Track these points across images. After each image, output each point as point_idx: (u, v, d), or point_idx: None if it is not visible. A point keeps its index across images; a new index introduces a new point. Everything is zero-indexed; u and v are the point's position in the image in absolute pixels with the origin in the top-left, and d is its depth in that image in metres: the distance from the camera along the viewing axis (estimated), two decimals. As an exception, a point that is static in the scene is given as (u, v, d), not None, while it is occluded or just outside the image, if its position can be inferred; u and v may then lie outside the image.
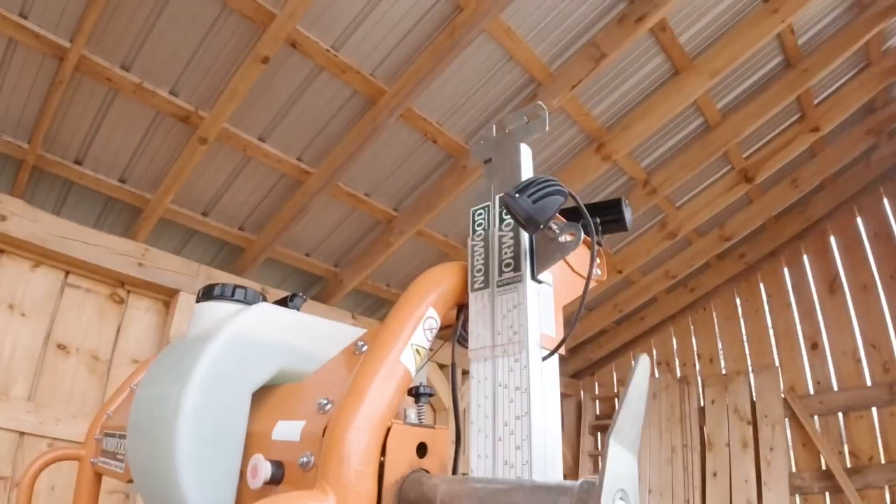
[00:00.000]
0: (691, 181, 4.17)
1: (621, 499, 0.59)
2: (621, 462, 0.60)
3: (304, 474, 0.73)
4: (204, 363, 0.82)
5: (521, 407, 0.78)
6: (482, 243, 0.92)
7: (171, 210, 3.21)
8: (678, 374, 5.76)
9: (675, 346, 5.95)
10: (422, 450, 0.77)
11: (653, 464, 5.31)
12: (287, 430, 0.79)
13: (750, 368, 5.39)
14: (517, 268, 0.86)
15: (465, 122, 3.25)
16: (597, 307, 5.53)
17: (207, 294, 0.99)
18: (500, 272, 0.88)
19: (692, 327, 5.88)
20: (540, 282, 0.87)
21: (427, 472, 0.76)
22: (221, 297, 0.98)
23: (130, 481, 1.34)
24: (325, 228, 3.68)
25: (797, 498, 4.93)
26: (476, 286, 0.90)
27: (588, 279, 0.93)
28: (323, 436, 0.72)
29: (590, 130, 3.52)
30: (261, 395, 0.89)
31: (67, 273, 3.07)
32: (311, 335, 0.96)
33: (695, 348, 5.81)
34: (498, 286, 0.87)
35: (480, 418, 0.81)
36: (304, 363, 0.92)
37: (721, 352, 5.63)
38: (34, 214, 2.86)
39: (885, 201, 5.13)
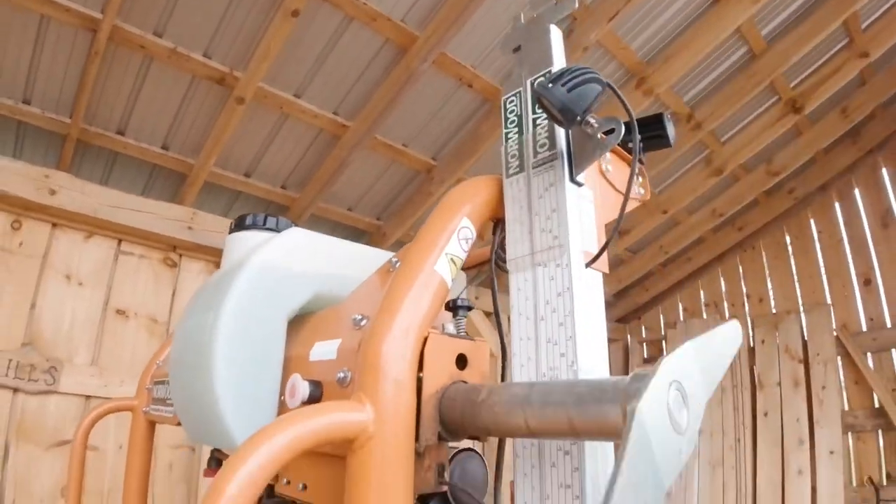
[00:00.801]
0: (737, 114, 3.94)
1: (677, 390, 0.52)
2: (685, 358, 0.54)
3: (341, 391, 0.69)
4: (236, 289, 0.78)
5: (564, 312, 0.72)
6: (515, 129, 0.85)
7: (215, 173, 3.22)
8: (727, 316, 5.58)
9: (723, 287, 5.76)
10: (461, 362, 0.72)
11: (702, 405, 5.21)
12: (323, 349, 0.75)
13: (801, 307, 5.17)
14: (552, 146, 0.79)
15: (501, 64, 3.11)
16: (642, 249, 5.36)
17: (239, 225, 0.96)
18: (535, 153, 0.81)
19: (740, 267, 5.66)
20: (579, 184, 0.80)
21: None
22: (253, 226, 0.94)
23: (180, 424, 1.35)
24: (366, 182, 3.65)
25: (850, 436, 4.79)
26: (511, 171, 0.83)
27: (627, 193, 0.85)
28: (359, 350, 0.67)
29: (629, 65, 3.34)
30: (298, 321, 0.86)
31: (120, 241, 3.12)
32: (346, 260, 0.92)
33: (743, 289, 5.62)
34: (534, 167, 0.81)
35: (522, 326, 0.76)
36: (339, 288, 0.88)
37: (770, 291, 5.41)
38: (82, 187, 2.89)
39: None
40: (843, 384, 4.83)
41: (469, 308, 0.79)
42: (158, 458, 3.10)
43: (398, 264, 0.79)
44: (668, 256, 5.44)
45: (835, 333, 4.86)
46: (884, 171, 5.04)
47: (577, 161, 0.80)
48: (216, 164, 3.14)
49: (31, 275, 2.81)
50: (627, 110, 0.83)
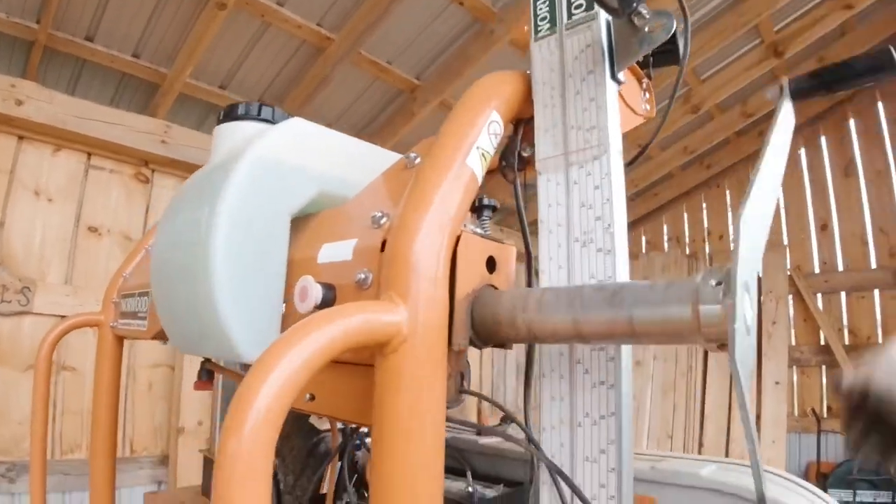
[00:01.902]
0: (720, 53, 3.84)
1: (746, 291, 0.46)
2: (753, 243, 0.48)
3: (360, 293, 0.60)
4: (235, 181, 0.67)
5: (601, 210, 0.65)
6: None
7: (189, 84, 2.99)
8: (687, 251, 5.65)
9: (686, 223, 5.81)
10: (490, 266, 0.64)
11: (660, 337, 5.36)
12: (335, 251, 0.66)
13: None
14: (590, 6, 0.69)
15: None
16: (611, 183, 5.35)
17: (230, 115, 0.83)
18: (570, 15, 0.71)
19: (704, 204, 5.72)
20: (619, 82, 0.71)
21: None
22: (246, 116, 0.82)
23: (155, 338, 1.26)
24: (347, 100, 3.44)
25: (794, 370, 5.00)
26: (540, 34, 0.73)
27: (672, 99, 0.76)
28: (382, 250, 0.58)
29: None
30: (298, 223, 0.76)
31: (90, 155, 2.91)
32: (350, 157, 0.81)
33: (705, 225, 5.68)
34: (567, 28, 0.71)
35: (553, 227, 0.67)
36: (342, 188, 0.78)
37: (731, 229, 5.49)
38: (50, 96, 2.65)
39: (881, 102, 4.85)
40: (792, 321, 4.99)
41: (495, 208, 0.70)
42: (137, 378, 3.02)
43: (418, 160, 0.69)
44: (637, 190, 5.42)
45: (788, 273, 4.97)
46: (851, 122, 5.06)
47: (619, 57, 0.70)
48: (191, 74, 2.91)
49: (-2, 188, 2.63)
50: (683, 10, 0.74)
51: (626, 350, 0.61)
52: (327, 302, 0.62)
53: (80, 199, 2.85)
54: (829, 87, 0.82)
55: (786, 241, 5.20)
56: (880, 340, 4.72)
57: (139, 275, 1.43)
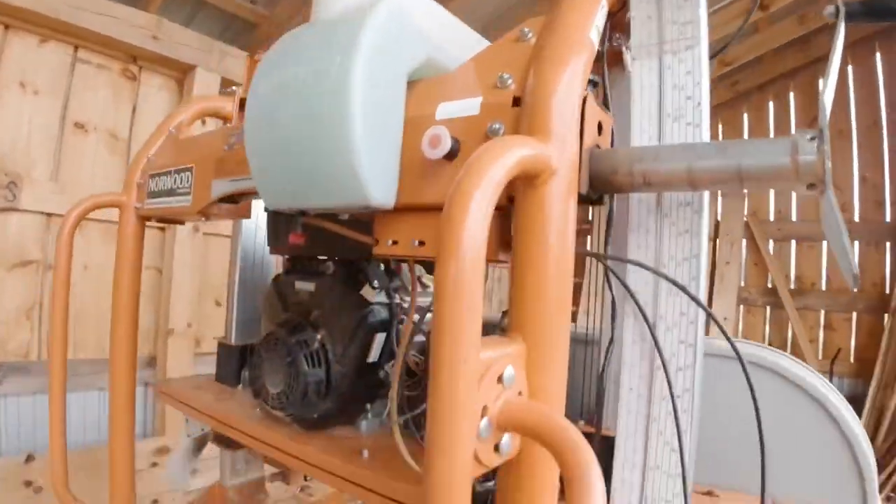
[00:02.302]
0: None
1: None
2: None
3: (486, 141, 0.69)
4: (369, 31, 0.73)
5: (691, 91, 0.74)
6: None
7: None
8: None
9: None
10: (599, 130, 0.73)
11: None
12: (458, 107, 0.73)
13: (719, 192, 5.55)
14: None
15: None
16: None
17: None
18: None
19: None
20: (711, -19, 0.79)
21: (602, 151, 0.73)
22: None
23: (200, 212, 1.31)
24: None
25: (741, 308, 5.37)
26: None
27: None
28: (513, 105, 0.66)
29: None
30: (409, 85, 0.82)
31: (77, 48, 2.81)
32: (451, 31, 0.88)
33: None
34: None
35: (645, 105, 0.77)
36: (444, 59, 0.84)
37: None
38: (42, -17, 2.54)
39: (878, 55, 5.04)
40: (744, 264, 5.35)
41: (595, 84, 0.78)
42: None
43: (530, 34, 0.76)
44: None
45: (745, 219, 5.28)
46: (820, 82, 5.25)
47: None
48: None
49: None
50: None
51: (706, 202, 0.73)
52: (454, 150, 0.70)
53: (66, 94, 2.77)
54: (877, 16, 0.92)
55: (745, 189, 5.46)
56: (823, 288, 5.11)
57: (172, 154, 1.48)
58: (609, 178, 0.68)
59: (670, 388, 0.69)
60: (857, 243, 5.02)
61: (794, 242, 5.29)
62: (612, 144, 0.81)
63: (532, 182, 0.60)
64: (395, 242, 0.81)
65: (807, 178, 0.59)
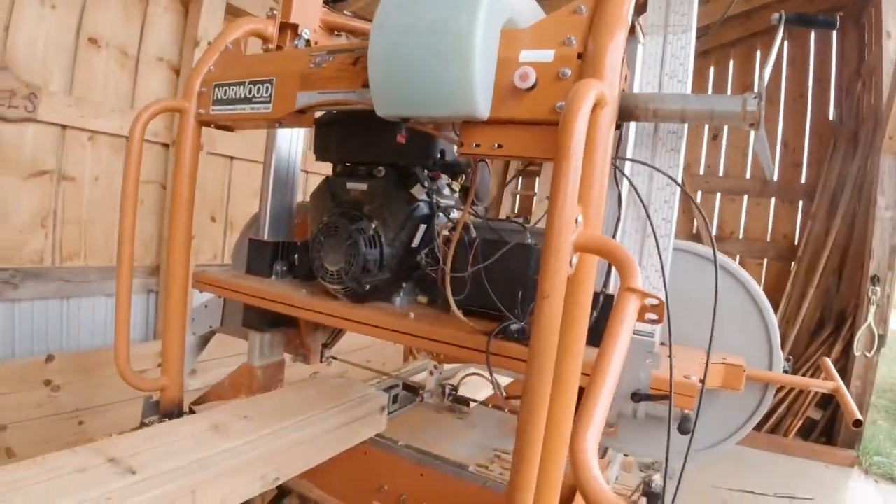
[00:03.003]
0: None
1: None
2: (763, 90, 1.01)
3: (559, 82, 1.06)
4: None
5: (683, 60, 1.14)
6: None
7: None
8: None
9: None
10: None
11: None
12: (537, 55, 1.09)
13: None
14: None
15: None
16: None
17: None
18: None
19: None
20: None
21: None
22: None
23: (278, 119, 1.57)
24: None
25: (669, 252, 6.05)
26: None
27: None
28: (577, 58, 1.04)
29: None
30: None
31: (91, -38, 2.90)
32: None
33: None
34: None
35: (650, 66, 1.17)
36: (518, 18, 1.19)
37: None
38: None
39: (812, 36, 5.62)
40: (675, 210, 5.99)
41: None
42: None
43: (585, 10, 1.13)
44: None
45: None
46: (758, 53, 5.82)
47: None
48: None
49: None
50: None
51: (685, 132, 1.14)
52: (535, 84, 1.08)
53: (81, 10, 2.88)
54: (807, 24, 1.33)
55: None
56: (740, 236, 5.86)
57: (238, 67, 1.71)
58: (632, 110, 1.07)
59: (657, 244, 1.12)
60: (773, 200, 5.74)
61: (719, 195, 5.99)
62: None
63: (596, 108, 0.98)
64: (477, 145, 1.17)
65: (749, 120, 1.00)
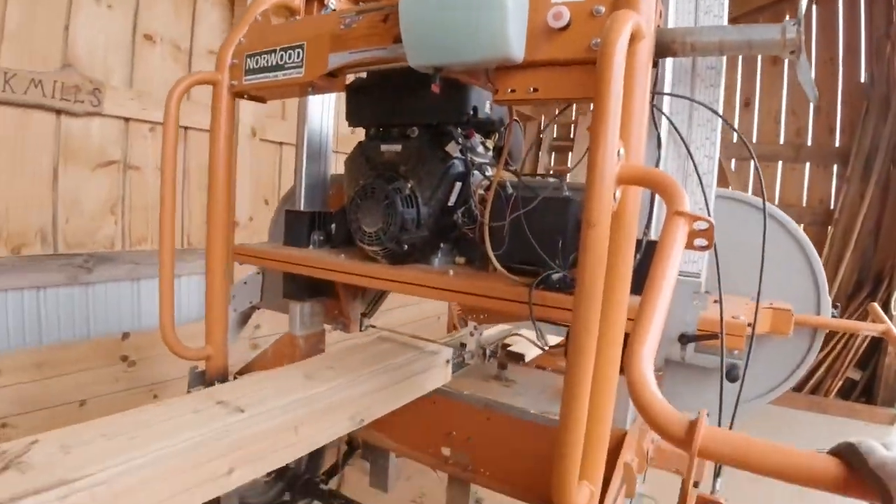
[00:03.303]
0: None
1: None
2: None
3: (593, 19, 1.04)
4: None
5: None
6: None
7: None
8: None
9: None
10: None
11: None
12: (570, -5, 1.07)
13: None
14: None
15: None
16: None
17: None
18: None
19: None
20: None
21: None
22: None
23: (312, 81, 1.57)
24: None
25: (706, 218, 6.00)
26: None
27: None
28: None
29: None
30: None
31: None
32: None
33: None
34: None
35: (690, 10, 1.13)
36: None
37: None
38: None
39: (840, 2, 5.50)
40: (714, 176, 5.92)
41: None
42: (190, 176, 3.27)
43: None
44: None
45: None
46: (786, 17, 5.64)
47: None
48: None
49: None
50: None
51: (724, 67, 1.11)
52: (569, 23, 1.05)
53: (135, 8, 2.96)
54: None
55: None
56: (776, 202, 5.68)
57: (269, 35, 1.70)
58: (669, 45, 1.05)
59: (700, 181, 1.10)
60: (807, 164, 5.62)
61: (752, 163, 5.84)
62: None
63: (633, 42, 0.96)
64: (513, 91, 1.16)
65: (790, 47, 0.97)
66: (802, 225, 5.49)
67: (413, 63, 1.24)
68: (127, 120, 2.96)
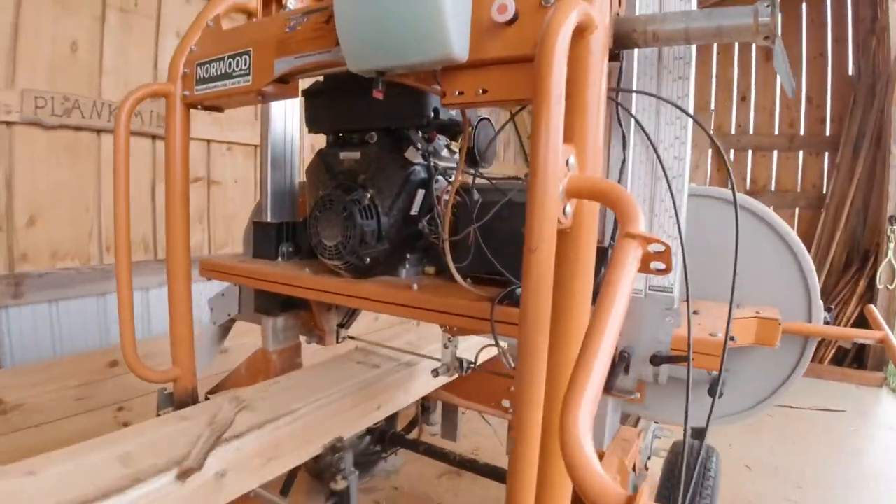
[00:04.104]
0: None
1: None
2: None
3: (541, 10, 0.91)
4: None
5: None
6: None
7: None
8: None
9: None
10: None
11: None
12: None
13: (691, 109, 6.36)
14: None
15: None
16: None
17: None
18: None
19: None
20: None
21: None
22: None
23: (260, 91, 1.45)
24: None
25: (706, 205, 6.20)
26: None
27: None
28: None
29: None
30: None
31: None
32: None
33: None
34: None
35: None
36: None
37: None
38: None
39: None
40: (709, 169, 6.25)
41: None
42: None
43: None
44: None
45: (711, 131, 5.77)
46: (780, 17, 5.64)
47: None
48: None
49: (149, 34, 2.96)
50: None
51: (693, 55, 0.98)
52: (515, 17, 0.93)
53: None
54: None
55: (713, 107, 6.19)
56: (772, 189, 6.06)
57: (219, 42, 1.60)
58: (629, 35, 0.92)
59: (670, 185, 0.97)
60: (801, 152, 5.97)
61: (750, 152, 6.17)
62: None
63: (582, 34, 0.83)
64: (461, 93, 1.03)
65: (763, 33, 0.84)
66: (798, 209, 5.90)
67: (353, 68, 1.12)
68: (209, 142, 3.34)
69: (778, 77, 5.99)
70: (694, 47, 0.99)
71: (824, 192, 5.74)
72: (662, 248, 0.68)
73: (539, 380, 0.77)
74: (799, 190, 5.93)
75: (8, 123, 2.53)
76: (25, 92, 2.53)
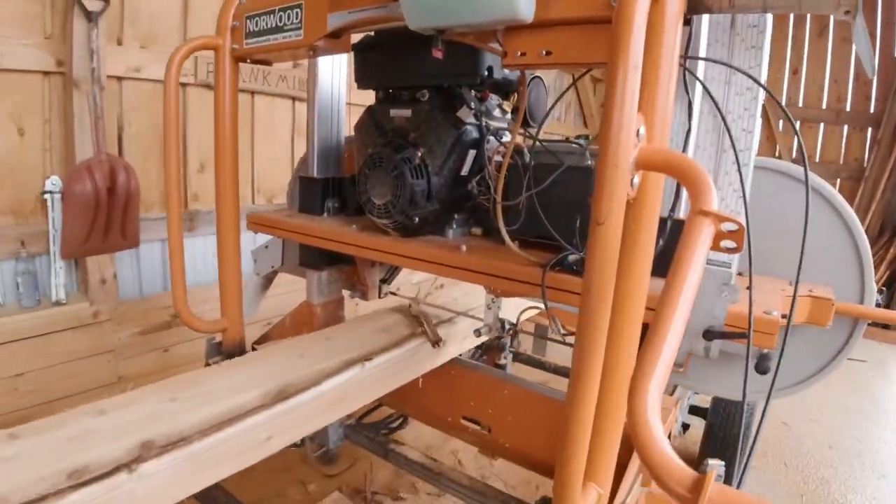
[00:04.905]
0: None
1: None
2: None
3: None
4: None
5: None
6: None
7: None
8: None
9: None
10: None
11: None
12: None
13: (764, 80, 6.48)
14: None
15: None
16: None
17: None
18: None
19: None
20: None
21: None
22: None
23: (313, 44, 1.41)
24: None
25: (752, 171, 6.37)
26: None
27: None
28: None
29: None
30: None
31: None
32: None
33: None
34: None
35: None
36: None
37: None
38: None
39: None
40: (756, 137, 6.05)
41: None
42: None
43: None
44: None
45: (762, 103, 5.69)
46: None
47: None
48: None
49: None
50: None
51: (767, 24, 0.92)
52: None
53: None
54: None
55: (763, 80, 5.94)
56: (818, 159, 6.30)
57: None
58: (703, 0, 0.86)
59: (737, 159, 0.93)
60: (845, 127, 6.25)
61: (798, 123, 6.33)
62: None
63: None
64: (523, 54, 0.99)
65: (845, 6, 0.78)
66: (839, 179, 6.15)
67: (412, 25, 1.08)
68: (294, 99, 3.61)
69: (829, 56, 6.12)
70: (770, 16, 0.93)
71: (865, 164, 6.07)
72: (735, 228, 0.65)
73: (598, 352, 0.75)
74: (842, 162, 6.23)
75: (184, 85, 2.99)
76: (199, 58, 3.00)
